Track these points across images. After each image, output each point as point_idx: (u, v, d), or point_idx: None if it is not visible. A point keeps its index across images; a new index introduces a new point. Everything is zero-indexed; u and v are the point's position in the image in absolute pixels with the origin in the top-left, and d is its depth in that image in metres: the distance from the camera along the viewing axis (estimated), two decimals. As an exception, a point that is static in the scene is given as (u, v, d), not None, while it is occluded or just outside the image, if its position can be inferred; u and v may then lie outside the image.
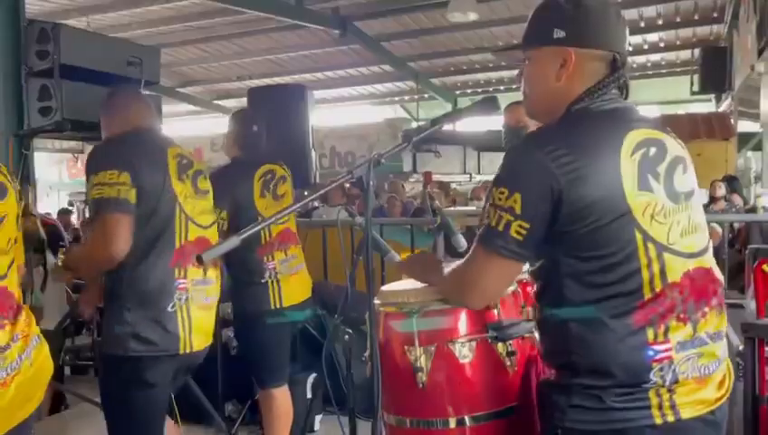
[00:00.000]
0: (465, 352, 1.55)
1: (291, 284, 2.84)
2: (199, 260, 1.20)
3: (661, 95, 12.57)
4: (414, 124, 13.14)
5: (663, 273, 1.22)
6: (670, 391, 1.21)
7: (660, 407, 1.21)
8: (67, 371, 4.87)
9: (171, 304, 2.04)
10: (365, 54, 10.97)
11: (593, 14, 1.31)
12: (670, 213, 1.25)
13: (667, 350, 1.21)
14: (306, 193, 4.05)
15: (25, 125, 3.49)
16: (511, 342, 1.56)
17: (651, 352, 1.21)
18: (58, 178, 14.24)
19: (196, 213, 2.16)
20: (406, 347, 1.56)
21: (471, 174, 11.98)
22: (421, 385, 1.54)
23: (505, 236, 1.23)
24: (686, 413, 1.22)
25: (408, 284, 1.72)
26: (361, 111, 14.94)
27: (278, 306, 2.79)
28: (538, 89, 1.37)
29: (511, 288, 1.64)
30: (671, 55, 11.43)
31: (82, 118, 3.27)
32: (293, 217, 3.04)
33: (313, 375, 3.60)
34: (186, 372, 2.29)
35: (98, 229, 1.98)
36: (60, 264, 2.23)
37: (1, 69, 4.55)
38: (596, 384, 1.23)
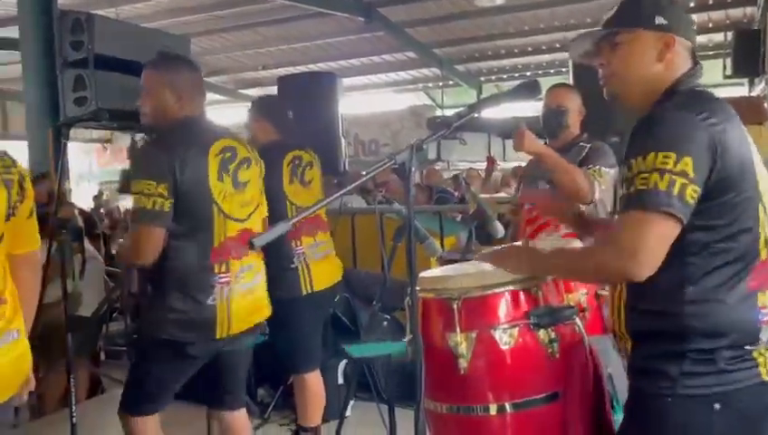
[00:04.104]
0: (506, 338, 1.55)
1: (321, 267, 2.86)
2: (251, 246, 1.22)
3: (692, 79, 12.25)
4: (438, 111, 13.06)
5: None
6: None
7: (766, 365, 1.28)
8: (103, 355, 4.96)
9: (212, 298, 2.11)
10: (389, 41, 10.90)
11: (682, 8, 1.46)
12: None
13: None
14: (336, 181, 4.06)
15: (61, 115, 3.55)
16: (553, 328, 1.56)
17: (761, 315, 1.28)
18: (88, 168, 14.45)
19: (235, 208, 2.19)
20: (446, 333, 1.56)
21: (498, 162, 11.85)
22: (462, 371, 1.54)
23: (682, 199, 1.24)
24: None
25: (447, 270, 1.72)
26: (385, 98, 14.87)
27: (309, 290, 2.81)
28: (638, 69, 1.41)
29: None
30: (703, 38, 11.16)
31: (116, 107, 3.31)
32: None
33: (344, 362, 3.62)
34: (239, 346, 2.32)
35: (132, 236, 2.11)
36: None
37: (36, 60, 4.63)
38: (710, 347, 1.26)
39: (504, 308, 1.57)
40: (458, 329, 1.55)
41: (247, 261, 2.22)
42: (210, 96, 13.75)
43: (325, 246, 2.94)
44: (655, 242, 1.26)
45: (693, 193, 1.24)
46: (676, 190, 1.23)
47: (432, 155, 11.47)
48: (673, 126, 1.28)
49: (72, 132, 2.86)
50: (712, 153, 1.25)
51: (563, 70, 10.34)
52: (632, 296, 1.37)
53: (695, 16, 10.04)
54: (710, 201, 1.27)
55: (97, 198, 9.95)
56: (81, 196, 9.83)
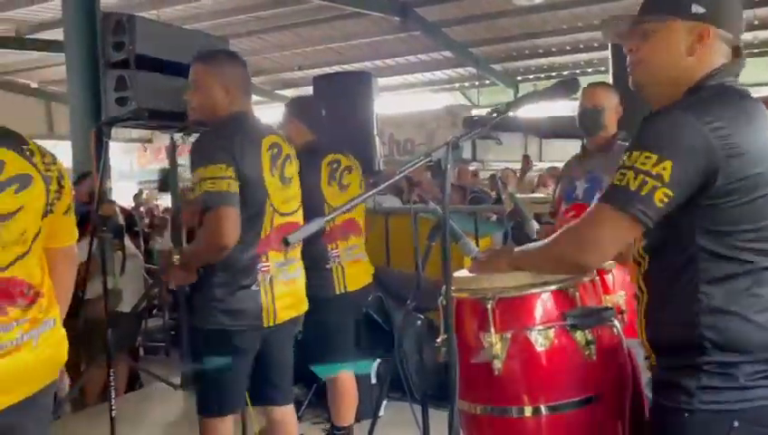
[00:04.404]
0: (542, 339, 1.52)
1: (354, 269, 2.88)
2: (286, 242, 1.22)
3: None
4: (474, 111, 12.97)
5: None
6: None
7: None
8: (141, 351, 5.07)
9: (255, 284, 2.15)
10: (425, 41, 10.88)
11: None
12: None
13: None
14: (370, 180, 4.06)
15: (103, 115, 3.63)
16: (590, 330, 1.52)
17: None
18: (129, 167, 14.79)
19: (281, 202, 2.23)
20: (481, 334, 1.54)
21: (533, 162, 11.73)
22: (497, 372, 1.52)
23: (648, 201, 1.21)
24: None
25: (482, 270, 1.70)
26: (420, 98, 14.85)
27: (343, 290, 2.82)
28: (666, 61, 1.33)
29: (590, 276, 1.60)
30: (748, 36, 10.84)
31: (156, 107, 3.36)
32: (362, 207, 3.06)
33: (378, 361, 3.62)
34: (284, 340, 2.36)
35: (211, 222, 2.04)
36: (177, 263, 2.24)
37: (79, 61, 4.76)
38: (729, 361, 1.20)
39: (539, 309, 1.54)
40: (493, 329, 1.53)
41: (291, 254, 2.27)
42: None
43: (358, 249, 2.96)
44: (609, 239, 1.27)
45: (664, 197, 1.20)
46: (644, 192, 1.20)
47: (467, 154, 11.41)
48: (665, 127, 1.23)
49: (114, 132, 2.92)
50: (708, 159, 1.18)
51: (602, 69, 10.16)
52: (652, 303, 1.32)
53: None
54: (720, 204, 1.20)
55: (137, 196, 10.17)
56: (122, 194, 10.06)
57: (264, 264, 2.17)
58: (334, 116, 3.17)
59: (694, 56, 1.30)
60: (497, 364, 1.51)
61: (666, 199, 1.20)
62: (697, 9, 1.29)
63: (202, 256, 2.17)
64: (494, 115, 1.47)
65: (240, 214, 2.07)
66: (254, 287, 2.14)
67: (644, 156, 1.21)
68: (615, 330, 1.55)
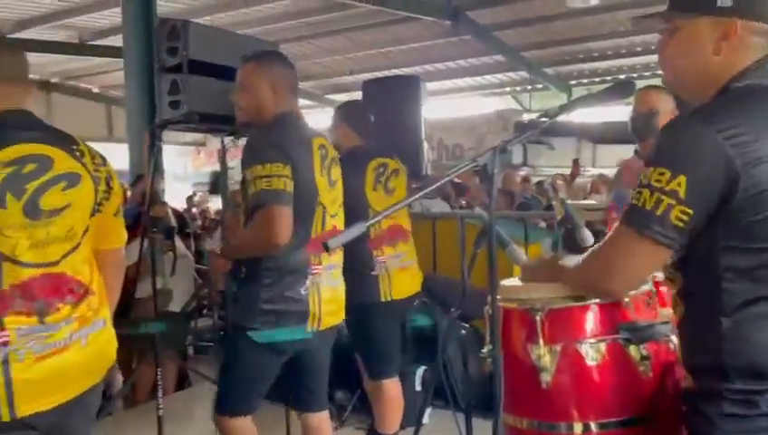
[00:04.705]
0: (593, 353, 1.45)
1: (402, 276, 2.84)
2: (326, 247, 1.19)
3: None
4: (525, 116, 12.78)
5: None
6: None
7: None
8: (191, 350, 5.16)
9: (304, 287, 2.12)
10: (476, 45, 10.78)
11: None
12: None
13: None
14: (417, 185, 4.03)
15: (157, 119, 3.71)
16: (645, 345, 1.45)
17: None
18: (183, 169, 15.17)
19: (329, 203, 2.21)
20: (528, 346, 1.49)
21: (585, 167, 11.48)
22: (545, 386, 1.46)
23: (664, 221, 1.13)
24: None
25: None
26: (470, 102, 14.74)
27: (389, 298, 2.79)
28: (689, 61, 1.24)
29: (646, 287, 1.53)
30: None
31: (207, 111, 3.41)
32: (406, 213, 3.02)
33: (423, 368, 3.57)
34: (323, 346, 2.33)
35: (263, 219, 2.01)
36: (218, 252, 2.27)
37: (136, 66, 4.91)
38: (752, 389, 1.12)
39: (591, 321, 1.48)
40: (541, 341, 1.47)
41: (335, 259, 2.24)
42: (299, 101, 14.25)
43: (407, 256, 2.91)
44: (633, 265, 1.20)
45: (681, 215, 1.11)
46: (660, 211, 1.12)
47: (518, 160, 11.24)
48: (677, 139, 1.14)
49: (170, 136, 2.97)
50: (725, 169, 1.09)
51: (659, 72, 9.86)
52: (683, 323, 1.25)
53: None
54: (742, 219, 1.11)
55: (190, 198, 10.39)
56: (176, 196, 10.32)
57: (315, 266, 2.14)
58: (383, 120, 3.15)
59: (720, 56, 1.19)
60: (545, 377, 1.45)
61: (685, 217, 1.12)
62: (724, 2, 1.18)
63: (247, 251, 2.15)
64: (544, 119, 1.41)
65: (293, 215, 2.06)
66: (302, 290, 2.11)
67: (658, 172, 1.14)
68: (671, 346, 1.47)
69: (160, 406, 2.87)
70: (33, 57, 10.65)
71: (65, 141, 1.59)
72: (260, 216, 2.02)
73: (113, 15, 8.01)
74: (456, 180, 7.04)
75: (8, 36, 9.50)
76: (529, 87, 13.14)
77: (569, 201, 2.04)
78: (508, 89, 14.23)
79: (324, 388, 2.42)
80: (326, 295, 2.19)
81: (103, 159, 1.67)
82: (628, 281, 1.27)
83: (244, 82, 2.20)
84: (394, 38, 10.67)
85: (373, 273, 2.77)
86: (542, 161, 11.25)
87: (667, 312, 1.76)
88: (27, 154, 1.50)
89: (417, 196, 1.38)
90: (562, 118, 1.44)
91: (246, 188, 2.10)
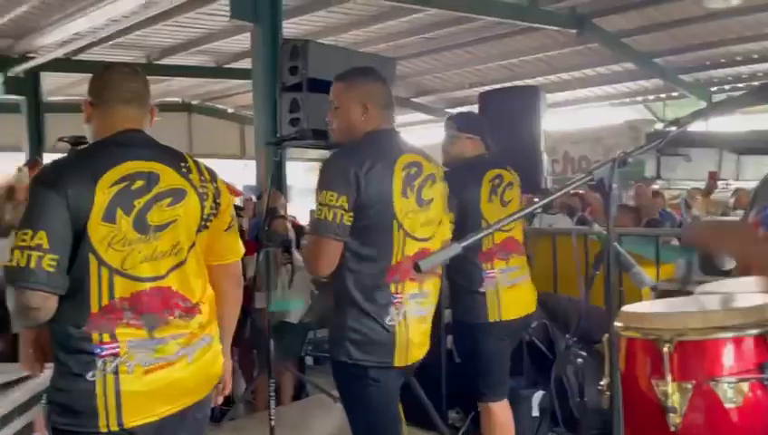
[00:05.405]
0: (731, 394, 1.27)
1: (512, 295, 2.68)
2: (417, 269, 1.12)
3: None
4: (659, 126, 11.99)
5: None
6: None
7: None
8: (310, 361, 5.26)
9: (390, 319, 2.03)
10: (603, 53, 10.29)
11: None
12: None
13: None
14: (536, 199, 3.86)
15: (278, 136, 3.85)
16: (797, 388, 1.24)
17: None
18: (309, 184, 15.75)
19: (417, 226, 2.10)
20: (654, 381, 1.33)
21: (727, 181, 10.53)
22: (673, 428, 1.30)
23: None
24: None
25: (660, 305, 1.47)
26: (597, 113, 14.07)
27: (497, 319, 2.64)
28: None
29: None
30: None
31: (324, 127, 3.48)
32: (520, 225, 2.88)
33: (541, 393, 3.38)
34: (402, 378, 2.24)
35: (310, 247, 2.09)
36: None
37: (263, 86, 5.16)
38: None
39: (730, 356, 1.30)
40: (669, 378, 1.31)
41: (426, 286, 2.12)
42: (418, 116, 14.31)
43: (519, 271, 2.75)
44: None
45: None
46: None
47: (650, 173, 10.54)
48: None
49: (297, 153, 3.05)
50: None
51: (817, 76, 8.88)
52: None
53: None
54: None
55: (313, 212, 10.72)
56: (302, 210, 10.71)
57: (398, 295, 2.04)
58: (500, 131, 3.05)
59: None
60: (674, 419, 1.29)
61: None
62: None
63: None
64: (673, 128, 1.25)
65: (364, 241, 2.01)
66: (388, 322, 2.02)
67: None
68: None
69: (272, 416, 2.92)
70: (176, 81, 11.54)
71: (174, 158, 1.65)
72: (309, 242, 2.10)
73: (245, 40, 8.51)
74: (575, 193, 6.72)
75: (155, 62, 10.42)
76: (663, 95, 12.32)
77: (706, 217, 1.83)
78: (640, 98, 13.45)
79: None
80: (413, 329, 2.07)
81: (212, 175, 1.70)
82: None
83: (335, 102, 2.20)
84: (515, 49, 10.45)
85: (481, 289, 2.64)
86: (679, 174, 10.46)
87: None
88: (137, 171, 1.56)
89: (529, 209, 1.28)
90: (700, 127, 1.28)
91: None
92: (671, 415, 1.29)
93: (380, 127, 2.13)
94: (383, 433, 2.14)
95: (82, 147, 1.73)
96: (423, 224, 2.12)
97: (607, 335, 1.32)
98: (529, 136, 3.87)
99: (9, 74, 9.79)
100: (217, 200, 1.68)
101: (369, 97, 2.12)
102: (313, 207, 2.12)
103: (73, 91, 11.18)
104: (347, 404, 2.17)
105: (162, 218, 1.57)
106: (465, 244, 1.09)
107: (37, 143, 9.91)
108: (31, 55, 9.59)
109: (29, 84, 10.11)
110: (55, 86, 10.76)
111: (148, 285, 1.55)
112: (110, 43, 8.79)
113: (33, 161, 5.93)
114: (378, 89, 2.16)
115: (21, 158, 8.91)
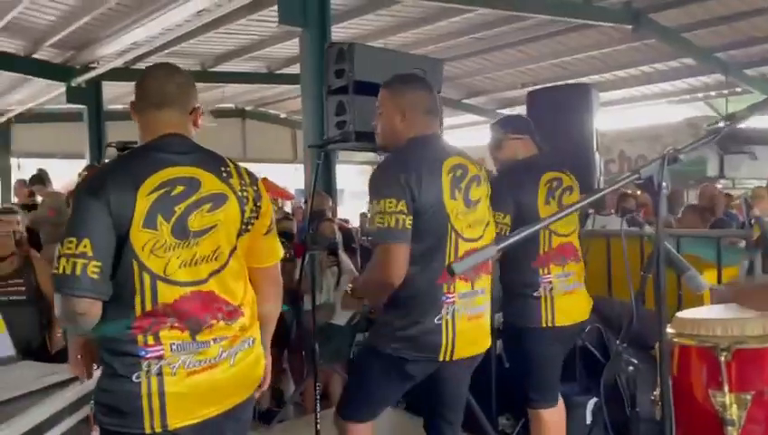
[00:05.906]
0: (796, 406, 1.18)
1: (566, 301, 2.60)
2: (450, 271, 1.09)
3: None
4: (721, 123, 11.52)
5: None
6: None
7: None
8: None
9: (438, 317, 2.06)
10: (661, 48, 9.95)
11: None
12: None
13: None
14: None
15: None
16: None
17: None
18: (361, 187, 15.83)
19: (465, 227, 2.12)
20: (710, 392, 1.25)
21: (795, 180, 10.02)
22: (731, 442, 1.21)
23: None
24: None
25: (715, 311, 1.39)
26: (655, 111, 13.63)
27: (549, 325, 2.57)
28: None
29: None
30: None
31: (369, 130, 3.47)
32: (577, 231, 2.79)
33: (594, 400, 3.27)
34: (458, 376, 2.26)
35: (378, 257, 2.06)
36: (349, 292, 2.41)
37: (311, 90, 5.20)
38: None
39: (794, 367, 1.20)
40: (727, 388, 1.23)
41: (479, 284, 2.13)
42: (469, 117, 14.17)
43: (575, 277, 2.67)
44: None
45: None
46: None
47: (713, 172, 10.13)
48: None
49: (348, 156, 3.06)
50: None
51: None
52: None
53: None
54: None
55: (363, 214, 10.78)
56: (353, 213, 10.76)
57: (449, 295, 2.07)
58: (550, 131, 2.96)
59: None
60: (732, 432, 1.21)
61: None
62: None
63: (370, 291, 2.22)
64: (728, 123, 1.18)
65: (419, 244, 2.03)
66: (436, 321, 2.05)
67: None
68: None
69: (318, 419, 2.92)
70: (230, 88, 11.80)
71: (215, 163, 1.66)
72: (376, 253, 2.07)
73: (295, 45, 8.63)
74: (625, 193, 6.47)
75: (209, 69, 10.67)
76: (725, 91, 11.83)
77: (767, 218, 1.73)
78: (700, 95, 12.96)
79: (460, 417, 2.32)
80: (463, 325, 2.09)
81: (252, 179, 1.71)
82: None
83: (379, 108, 2.24)
84: (568, 48, 10.22)
85: (535, 294, 2.58)
86: (743, 172, 10.02)
87: None
88: (177, 177, 1.57)
89: (569, 211, 1.22)
90: (766, 123, 1.19)
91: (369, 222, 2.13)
92: (729, 428, 1.21)
93: (423, 132, 2.16)
94: (375, 409, 2.22)
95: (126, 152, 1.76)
96: (471, 224, 2.15)
97: (658, 344, 1.25)
98: (580, 135, 3.75)
99: (72, 84, 10.22)
100: (258, 204, 1.68)
101: (409, 104, 2.16)
102: (364, 209, 2.15)
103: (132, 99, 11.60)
104: (359, 374, 2.27)
105: (203, 224, 1.58)
106: (500, 246, 1.05)
107: (98, 150, 10.32)
108: (92, 66, 9.99)
109: (91, 93, 10.55)
110: (114, 95, 11.18)
111: (189, 290, 1.56)
112: (166, 51, 9.06)
113: (91, 167, 6.15)
114: (419, 96, 2.18)
115: (84, 165, 9.29)
